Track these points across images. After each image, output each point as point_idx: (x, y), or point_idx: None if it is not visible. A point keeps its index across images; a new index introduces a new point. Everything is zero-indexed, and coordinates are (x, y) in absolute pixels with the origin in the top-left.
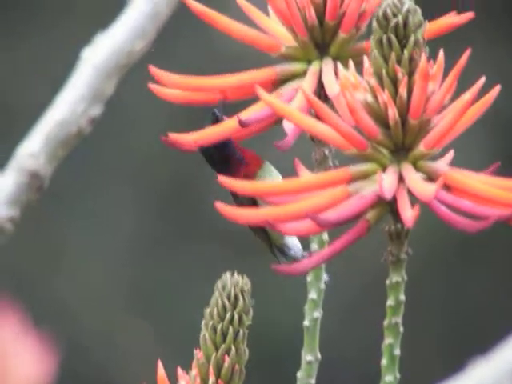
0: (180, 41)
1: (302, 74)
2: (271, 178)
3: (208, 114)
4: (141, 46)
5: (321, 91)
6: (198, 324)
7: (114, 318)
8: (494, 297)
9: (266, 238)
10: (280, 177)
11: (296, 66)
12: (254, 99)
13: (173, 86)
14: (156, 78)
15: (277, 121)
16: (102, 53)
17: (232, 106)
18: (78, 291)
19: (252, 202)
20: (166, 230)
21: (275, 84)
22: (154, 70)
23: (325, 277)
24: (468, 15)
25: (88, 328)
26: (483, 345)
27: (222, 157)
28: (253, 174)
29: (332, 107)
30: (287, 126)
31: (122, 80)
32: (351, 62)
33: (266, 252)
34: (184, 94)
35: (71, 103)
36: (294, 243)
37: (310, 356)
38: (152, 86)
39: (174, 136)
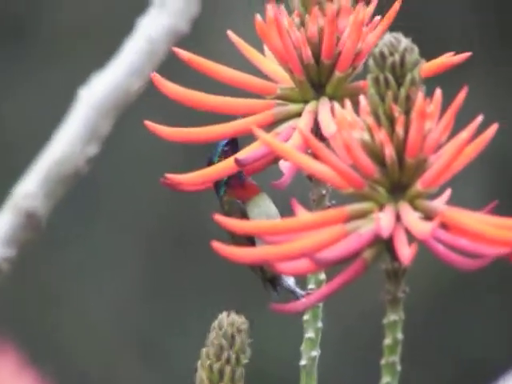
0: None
1: (299, 114)
2: (265, 207)
3: (205, 155)
4: (138, 84)
5: (317, 131)
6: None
7: (111, 359)
8: (492, 331)
9: (261, 276)
10: (274, 208)
11: (293, 107)
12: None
13: (169, 137)
14: (153, 131)
15: (273, 160)
16: (98, 92)
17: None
18: (76, 332)
19: (249, 240)
20: (168, 272)
21: (272, 124)
22: (149, 125)
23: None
24: (465, 55)
25: (84, 369)
26: (484, 381)
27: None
28: (247, 199)
29: (329, 147)
30: (284, 165)
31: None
32: (348, 101)
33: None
34: (181, 135)
35: (68, 143)
36: (289, 280)
37: None
38: (148, 124)
39: (170, 177)
